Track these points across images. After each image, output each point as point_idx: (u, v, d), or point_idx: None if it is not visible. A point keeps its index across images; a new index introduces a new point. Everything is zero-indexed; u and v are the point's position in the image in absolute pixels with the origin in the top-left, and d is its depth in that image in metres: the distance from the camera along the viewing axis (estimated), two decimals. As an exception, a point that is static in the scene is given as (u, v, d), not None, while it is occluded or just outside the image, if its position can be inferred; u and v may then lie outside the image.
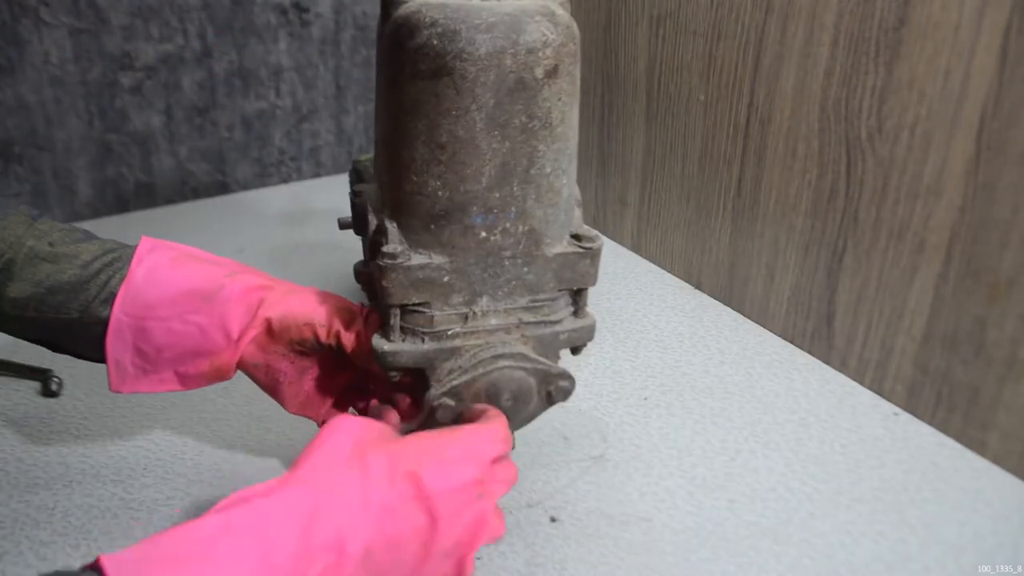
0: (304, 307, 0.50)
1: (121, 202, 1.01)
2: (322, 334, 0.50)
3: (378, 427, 0.42)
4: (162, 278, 0.48)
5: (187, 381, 0.50)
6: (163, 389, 0.50)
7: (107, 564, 0.31)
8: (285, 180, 1.13)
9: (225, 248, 0.92)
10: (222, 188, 1.08)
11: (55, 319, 0.48)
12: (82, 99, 0.94)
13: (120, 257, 0.49)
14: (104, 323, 0.48)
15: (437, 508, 0.39)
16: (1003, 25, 0.54)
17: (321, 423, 0.54)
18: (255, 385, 0.68)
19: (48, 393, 0.65)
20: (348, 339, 0.50)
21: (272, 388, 0.52)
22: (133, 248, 0.50)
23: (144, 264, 0.49)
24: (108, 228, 0.96)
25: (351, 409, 0.56)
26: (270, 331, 0.50)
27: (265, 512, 0.35)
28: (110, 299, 0.48)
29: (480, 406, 0.48)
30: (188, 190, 1.05)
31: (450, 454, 0.41)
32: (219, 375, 0.50)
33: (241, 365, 0.51)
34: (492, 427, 0.45)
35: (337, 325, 0.50)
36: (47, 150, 0.93)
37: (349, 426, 0.41)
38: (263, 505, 0.35)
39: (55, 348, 0.51)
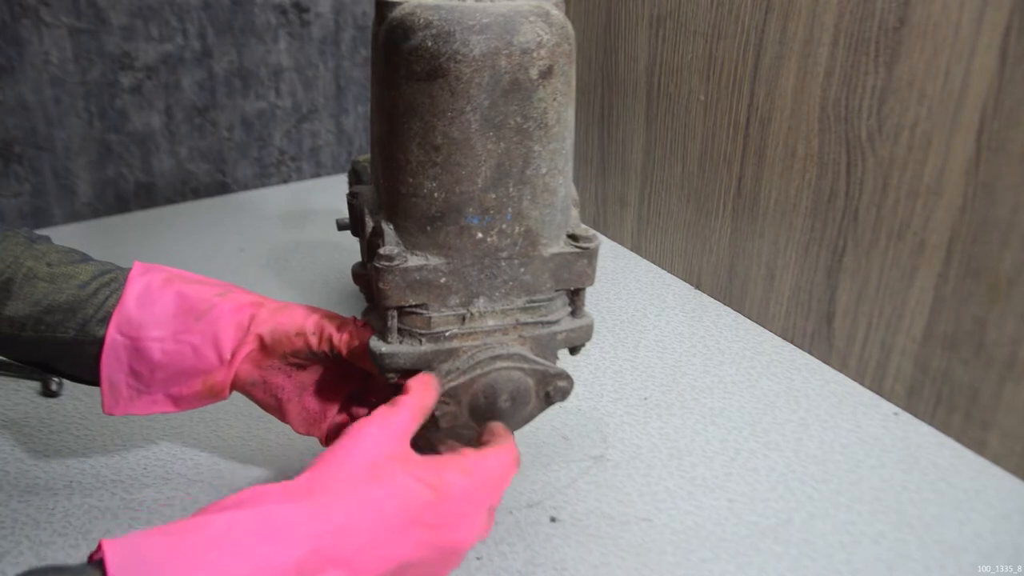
0: (293, 319, 0.50)
1: (121, 202, 1.01)
2: (313, 342, 0.50)
3: (398, 437, 0.42)
4: (154, 299, 0.49)
5: (180, 402, 0.50)
6: (156, 411, 0.50)
7: (109, 557, 0.31)
8: (285, 180, 1.13)
9: (225, 248, 0.92)
10: (222, 188, 1.08)
11: (52, 339, 0.48)
12: (82, 99, 0.94)
13: (117, 278, 0.49)
14: (100, 343, 0.48)
15: (453, 540, 0.39)
16: (1003, 25, 0.54)
17: (324, 439, 0.54)
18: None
19: (48, 393, 0.65)
20: (341, 341, 0.50)
21: (275, 407, 0.52)
22: (128, 270, 0.50)
23: (137, 284, 0.49)
24: (108, 228, 0.97)
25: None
26: (263, 347, 0.50)
27: (274, 519, 0.35)
28: (106, 319, 0.48)
29: (490, 427, 0.48)
30: (188, 190, 1.05)
31: (470, 482, 0.41)
32: (213, 394, 0.50)
33: (239, 385, 0.51)
34: (506, 451, 0.45)
35: (328, 330, 0.50)
36: (47, 150, 0.94)
37: (372, 436, 0.40)
38: (273, 511, 0.35)
39: (50, 370, 0.51)
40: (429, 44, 0.43)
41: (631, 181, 0.91)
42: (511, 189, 0.46)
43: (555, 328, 0.51)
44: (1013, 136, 0.55)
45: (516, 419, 0.51)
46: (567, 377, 0.51)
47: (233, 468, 0.58)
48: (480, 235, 0.47)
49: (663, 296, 0.84)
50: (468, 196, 0.46)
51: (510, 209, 0.47)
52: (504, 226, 0.47)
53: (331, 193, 1.09)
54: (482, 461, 0.43)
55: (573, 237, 0.50)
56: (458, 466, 0.41)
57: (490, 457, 0.43)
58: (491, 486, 0.42)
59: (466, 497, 0.40)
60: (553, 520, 0.54)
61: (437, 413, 0.49)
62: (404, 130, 0.45)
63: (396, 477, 0.39)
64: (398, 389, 0.52)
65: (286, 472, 0.57)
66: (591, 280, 0.51)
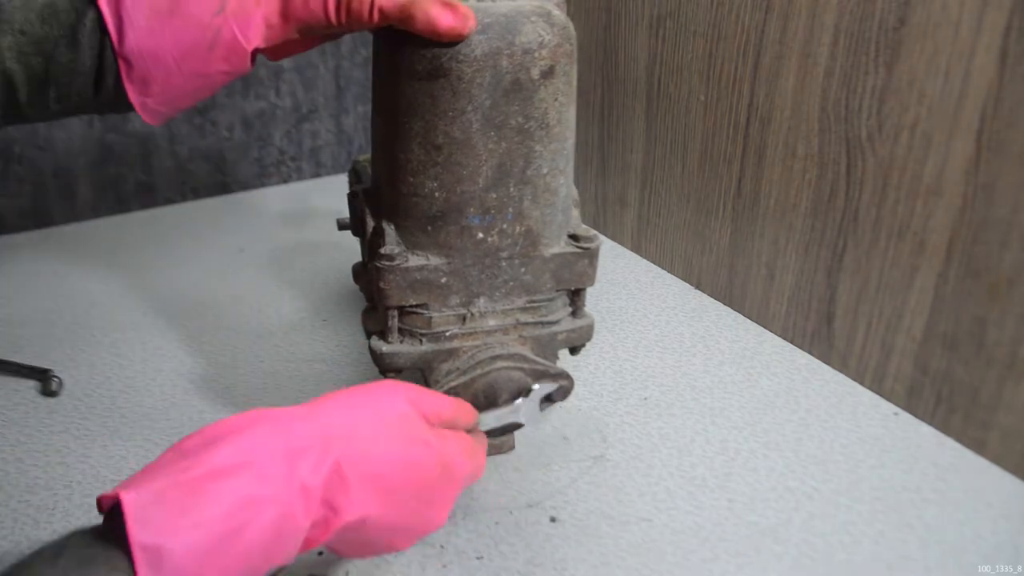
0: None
1: (121, 202, 1.01)
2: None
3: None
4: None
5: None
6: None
7: (127, 507, 0.31)
8: (285, 180, 1.13)
9: (225, 248, 0.92)
10: (222, 188, 1.08)
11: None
12: (82, 99, 0.94)
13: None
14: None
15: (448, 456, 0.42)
16: (1003, 25, 0.54)
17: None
18: (255, 385, 0.68)
19: (48, 393, 0.65)
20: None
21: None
22: None
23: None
24: (108, 228, 0.97)
25: None
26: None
27: (284, 420, 0.37)
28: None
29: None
30: (188, 190, 1.05)
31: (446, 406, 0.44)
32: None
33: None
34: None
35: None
36: (47, 150, 0.94)
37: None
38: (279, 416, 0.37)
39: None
40: (430, 43, 0.43)
41: (631, 181, 0.91)
42: (512, 189, 0.46)
43: (555, 328, 0.51)
44: (1013, 136, 0.55)
45: (516, 419, 0.51)
46: (567, 377, 0.51)
47: (233, 468, 0.58)
48: (481, 235, 0.47)
49: (663, 296, 0.84)
50: (469, 196, 0.46)
51: (511, 209, 0.47)
52: (505, 226, 0.47)
53: (331, 193, 1.09)
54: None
55: (574, 237, 0.50)
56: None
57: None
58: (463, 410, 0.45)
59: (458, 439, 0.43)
60: (553, 520, 0.54)
61: None
62: (405, 130, 0.45)
63: (397, 397, 0.41)
64: None
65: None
66: (592, 280, 0.51)
